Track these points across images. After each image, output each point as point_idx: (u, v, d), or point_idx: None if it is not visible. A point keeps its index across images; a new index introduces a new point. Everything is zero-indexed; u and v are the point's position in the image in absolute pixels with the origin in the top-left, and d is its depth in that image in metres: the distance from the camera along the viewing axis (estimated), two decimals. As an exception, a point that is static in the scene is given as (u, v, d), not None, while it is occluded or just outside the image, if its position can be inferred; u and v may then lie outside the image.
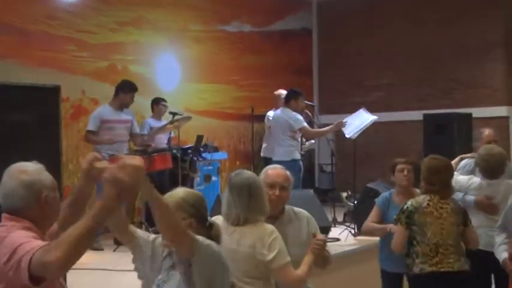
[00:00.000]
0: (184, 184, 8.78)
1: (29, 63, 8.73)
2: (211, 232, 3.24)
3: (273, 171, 4.39)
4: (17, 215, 2.80)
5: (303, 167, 9.36)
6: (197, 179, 9.55)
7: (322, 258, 4.07)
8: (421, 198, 4.96)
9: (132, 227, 3.33)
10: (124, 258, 7.34)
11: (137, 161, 2.63)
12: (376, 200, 5.87)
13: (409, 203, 4.97)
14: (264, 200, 3.95)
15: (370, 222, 5.74)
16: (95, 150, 8.13)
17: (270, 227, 3.91)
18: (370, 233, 5.94)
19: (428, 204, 4.88)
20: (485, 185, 5.72)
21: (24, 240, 2.64)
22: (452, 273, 4.77)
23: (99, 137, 8.33)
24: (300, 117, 9.03)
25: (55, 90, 4.79)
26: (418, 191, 5.54)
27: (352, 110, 12.49)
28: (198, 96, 11.53)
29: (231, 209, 3.99)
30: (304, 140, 9.61)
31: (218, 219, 4.08)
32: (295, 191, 8.62)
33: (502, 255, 4.17)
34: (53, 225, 3.00)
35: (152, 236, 3.34)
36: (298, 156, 9.07)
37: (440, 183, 4.93)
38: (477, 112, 10.57)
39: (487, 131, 6.40)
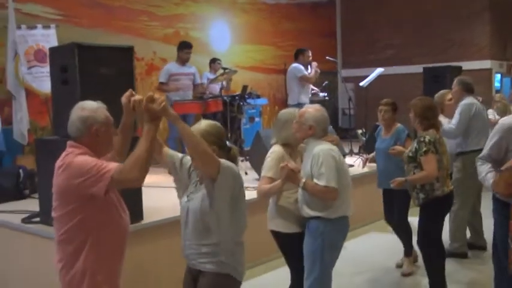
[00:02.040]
0: (232, 124, 8.76)
1: (112, 31, 8.85)
2: (230, 154, 3.14)
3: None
4: (75, 141, 2.84)
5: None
6: (243, 120, 9.45)
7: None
8: (430, 132, 4.55)
9: (166, 149, 3.25)
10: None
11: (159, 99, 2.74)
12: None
13: (427, 137, 4.51)
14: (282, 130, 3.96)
15: None
16: (166, 97, 8.20)
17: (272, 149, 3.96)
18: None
19: (440, 136, 4.61)
20: None
21: (96, 162, 2.69)
22: (452, 191, 4.73)
23: (168, 87, 8.35)
24: (301, 67, 8.81)
25: (130, 50, 4.89)
26: (398, 124, 5.46)
27: (367, 65, 12.48)
28: (245, 55, 11.47)
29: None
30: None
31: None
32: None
33: (491, 181, 3.74)
34: (109, 152, 2.98)
35: (180, 154, 3.27)
36: (303, 100, 8.70)
37: (433, 117, 4.61)
38: (466, 65, 10.19)
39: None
